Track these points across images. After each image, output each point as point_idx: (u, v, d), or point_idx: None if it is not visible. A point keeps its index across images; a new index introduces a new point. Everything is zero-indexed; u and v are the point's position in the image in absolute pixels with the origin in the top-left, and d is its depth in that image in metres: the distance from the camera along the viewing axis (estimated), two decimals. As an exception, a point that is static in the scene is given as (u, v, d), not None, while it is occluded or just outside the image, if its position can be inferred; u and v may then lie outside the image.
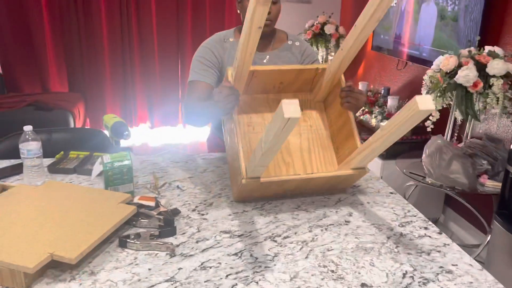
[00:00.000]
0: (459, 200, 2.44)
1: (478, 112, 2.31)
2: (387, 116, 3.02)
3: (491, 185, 2.22)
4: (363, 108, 3.25)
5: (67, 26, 3.97)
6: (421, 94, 2.50)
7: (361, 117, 3.24)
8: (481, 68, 2.28)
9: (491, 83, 2.24)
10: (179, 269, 1.06)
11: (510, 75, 2.27)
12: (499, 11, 2.49)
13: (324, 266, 1.08)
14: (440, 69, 2.39)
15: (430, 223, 1.31)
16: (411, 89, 3.32)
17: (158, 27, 4.17)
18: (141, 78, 4.28)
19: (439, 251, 1.16)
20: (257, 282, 1.02)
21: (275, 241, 1.18)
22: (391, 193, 1.50)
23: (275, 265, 1.08)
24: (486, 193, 2.21)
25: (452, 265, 1.10)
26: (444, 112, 2.46)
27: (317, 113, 1.59)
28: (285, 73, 1.50)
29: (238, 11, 1.67)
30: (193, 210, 1.34)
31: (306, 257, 1.12)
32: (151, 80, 4.28)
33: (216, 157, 1.77)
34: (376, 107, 3.19)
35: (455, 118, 2.44)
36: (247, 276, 1.04)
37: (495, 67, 2.23)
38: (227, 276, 1.04)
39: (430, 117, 2.42)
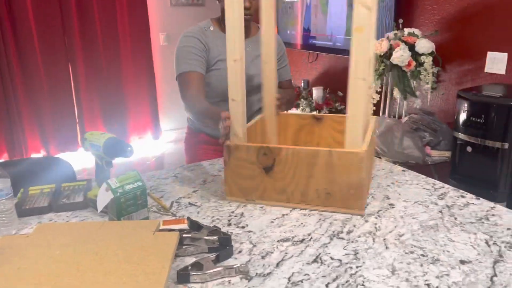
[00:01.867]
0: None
1: (414, 89, 2.46)
2: (316, 107, 3.06)
3: (437, 155, 2.39)
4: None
5: None
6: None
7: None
8: (409, 48, 2.44)
9: (421, 61, 2.41)
10: (270, 291, 0.89)
11: (433, 53, 2.46)
12: (409, -4, 2.70)
13: (411, 252, 1.01)
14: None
15: (461, 190, 1.32)
16: (330, 78, 3.43)
17: (39, 37, 3.65)
18: (27, 99, 3.71)
19: (493, 215, 1.17)
20: (363, 285, 0.90)
21: (343, 238, 1.07)
22: (403, 170, 1.49)
23: (364, 262, 0.97)
24: (434, 162, 2.37)
25: (516, 224, 1.12)
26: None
27: None
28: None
29: (217, 2, 1.58)
30: (229, 225, 1.15)
31: (387, 248, 1.03)
32: (40, 101, 3.74)
33: (203, 165, 1.58)
34: (302, 100, 3.22)
35: (392, 97, 2.57)
36: (347, 281, 0.91)
37: (423, 46, 2.40)
38: (327, 286, 0.90)
39: (371, 100, 2.51)
